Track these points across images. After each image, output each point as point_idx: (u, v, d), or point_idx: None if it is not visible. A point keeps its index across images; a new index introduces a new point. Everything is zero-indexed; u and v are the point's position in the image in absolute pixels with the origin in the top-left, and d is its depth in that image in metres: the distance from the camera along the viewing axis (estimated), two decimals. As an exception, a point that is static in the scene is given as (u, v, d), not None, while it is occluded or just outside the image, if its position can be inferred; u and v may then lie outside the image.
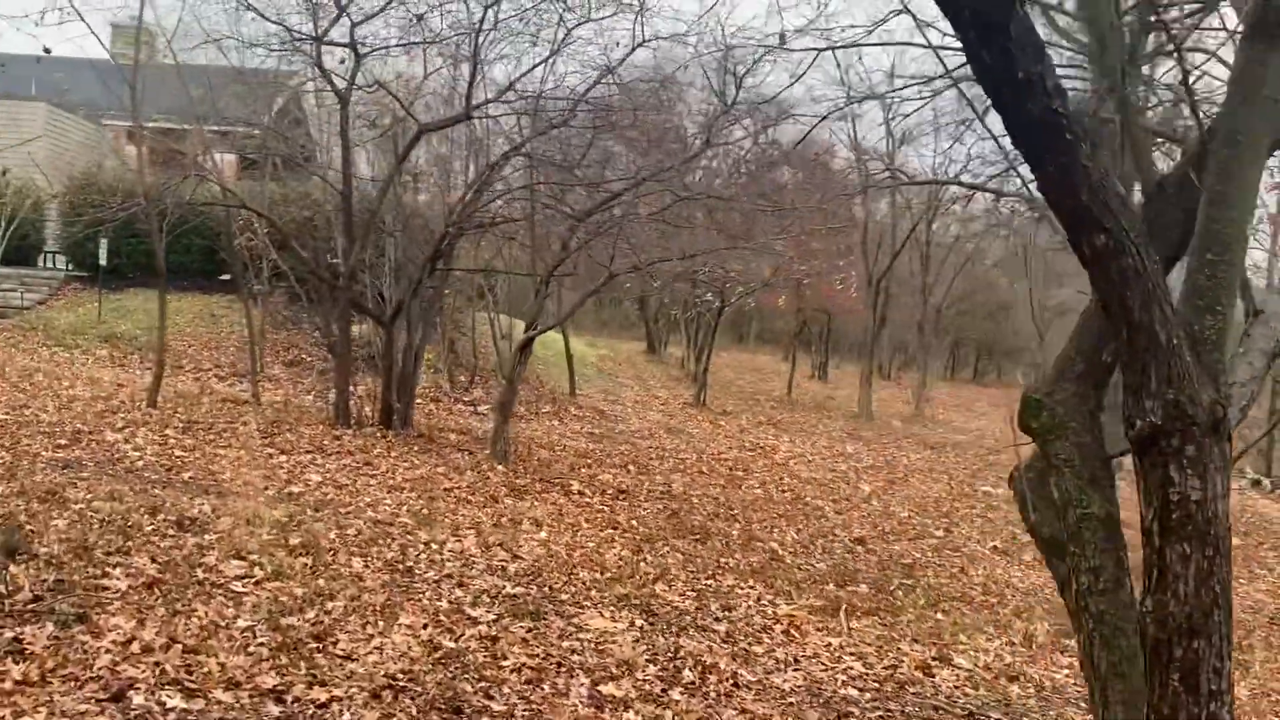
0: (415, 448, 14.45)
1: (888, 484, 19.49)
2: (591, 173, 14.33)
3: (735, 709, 5.98)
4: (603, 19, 14.26)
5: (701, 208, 15.75)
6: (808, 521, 14.34)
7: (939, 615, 9.35)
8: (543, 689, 5.89)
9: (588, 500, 13.06)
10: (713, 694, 6.22)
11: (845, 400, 34.28)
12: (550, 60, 14.16)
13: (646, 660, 6.60)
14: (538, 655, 6.44)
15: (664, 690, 6.15)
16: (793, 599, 9.12)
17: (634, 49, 14.14)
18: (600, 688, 6.02)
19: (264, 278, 19.75)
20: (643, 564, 9.67)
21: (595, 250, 14.96)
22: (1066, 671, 7.91)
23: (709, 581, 9.41)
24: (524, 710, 5.47)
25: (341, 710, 5.12)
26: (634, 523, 12.00)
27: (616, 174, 14.46)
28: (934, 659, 7.59)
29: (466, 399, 20.74)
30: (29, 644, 5.26)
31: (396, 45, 15.48)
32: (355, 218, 15.21)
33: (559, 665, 6.34)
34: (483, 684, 5.81)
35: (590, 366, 28.79)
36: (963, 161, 27.93)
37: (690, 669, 6.55)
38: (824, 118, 12.81)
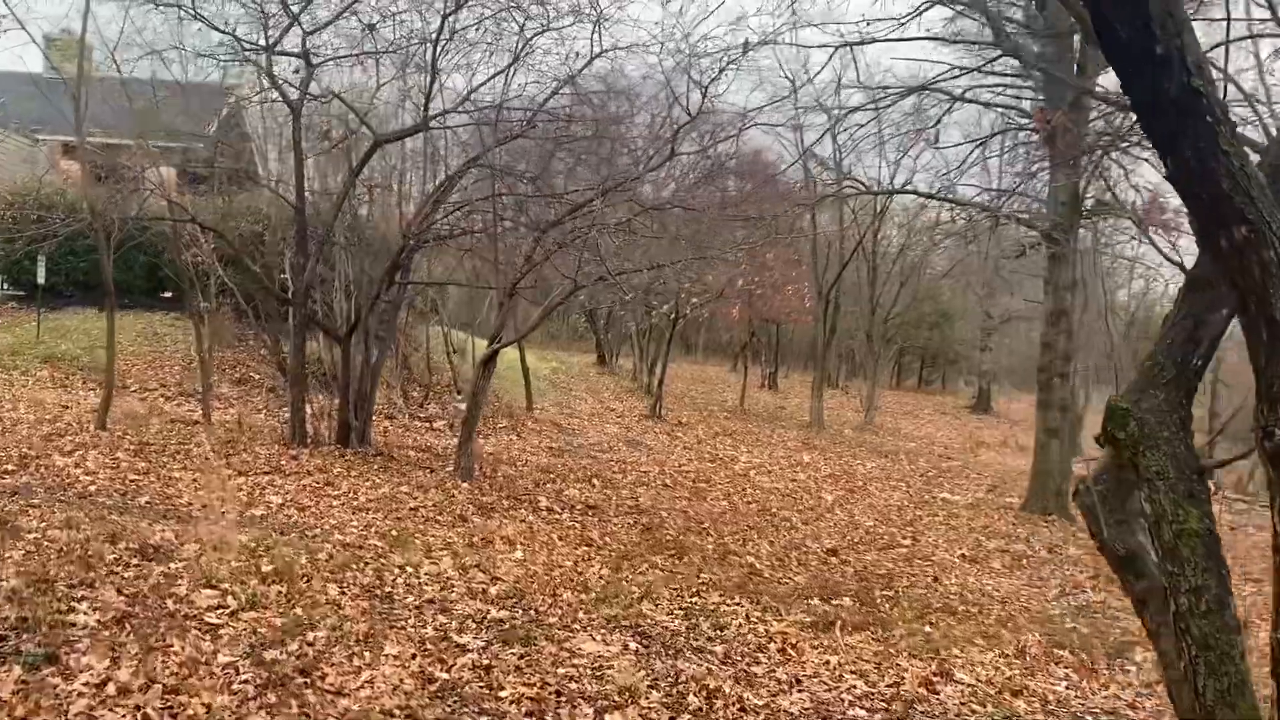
0: (375, 466, 14.00)
1: (848, 493, 19.34)
2: (554, 183, 14.00)
3: (749, 736, 5.69)
4: (562, 28, 14.03)
5: (658, 218, 15.47)
6: (777, 533, 14.10)
7: (927, 628, 9.13)
8: (547, 721, 5.56)
9: (557, 517, 12.71)
10: (722, 721, 5.93)
11: (796, 409, 34.20)
12: (510, 70, 13.85)
13: (648, 686, 6.28)
14: (535, 684, 6.10)
15: (672, 719, 5.84)
16: (781, 615, 8.85)
17: (592, 59, 13.87)
18: (606, 717, 5.69)
19: (210, 294, 19.16)
20: (625, 582, 9.35)
21: (558, 261, 14.60)
22: (1065, 684, 7.72)
23: (694, 599, 9.11)
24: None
25: (342, 752, 4.76)
26: (607, 539, 11.66)
27: (580, 184, 14.13)
28: (935, 675, 7.36)
29: (422, 415, 20.28)
30: (-5, 689, 4.83)
31: (350, 55, 15.05)
32: (309, 232, 14.74)
33: (558, 695, 6.00)
34: (483, 717, 5.47)
35: (543, 380, 28.37)
36: (909, 173, 27.89)
37: (695, 694, 6.25)
38: (822, 134, 12.54)
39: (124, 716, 4.73)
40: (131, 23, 14.62)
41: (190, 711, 4.89)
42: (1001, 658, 8.29)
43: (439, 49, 13.66)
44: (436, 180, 15.45)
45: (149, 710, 4.82)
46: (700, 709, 6.04)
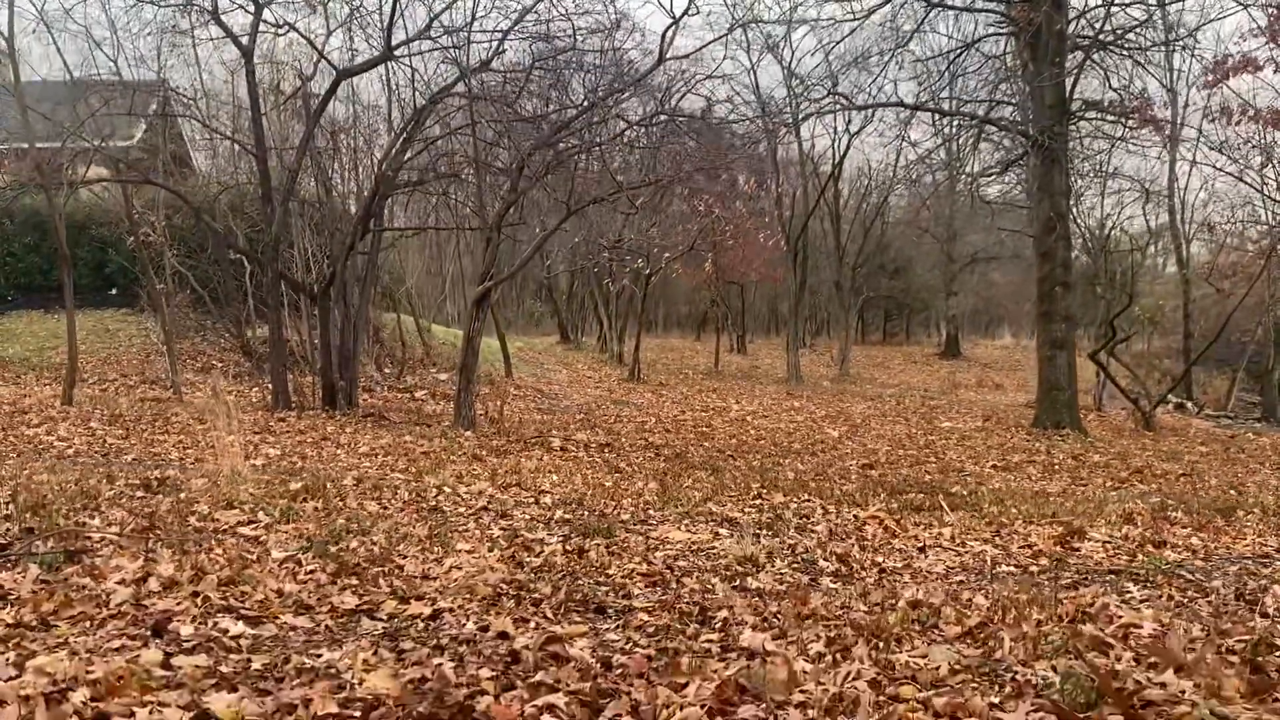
0: (369, 424, 12.97)
1: (851, 429, 18.58)
2: (535, 105, 13.03)
3: (911, 589, 4.81)
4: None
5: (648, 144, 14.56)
6: (801, 458, 13.29)
7: (1014, 509, 8.31)
8: (674, 589, 4.64)
9: (575, 455, 11.76)
10: (869, 580, 5.05)
11: (769, 368, 33.51)
12: (478, -13, 12.85)
13: (768, 556, 5.38)
14: (639, 563, 5.18)
15: (813, 580, 4.96)
16: (859, 505, 8.00)
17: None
18: (743, 582, 4.79)
19: (166, 276, 18.02)
20: (676, 491, 8.44)
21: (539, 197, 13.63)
22: (1198, 539, 6.90)
23: (758, 500, 8.22)
24: (684, 604, 4.20)
25: (462, 619, 3.80)
26: (636, 468, 10.75)
27: (560, 106, 13.17)
28: (1066, 535, 6.53)
29: (400, 386, 19.19)
30: (10, 589, 3.81)
31: (299, -8, 13.97)
32: (274, 183, 13.63)
33: (671, 570, 5.09)
34: (604, 587, 4.54)
35: (512, 358, 27.33)
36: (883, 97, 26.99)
37: (825, 559, 5.37)
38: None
39: (180, 604, 3.74)
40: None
41: (260, 597, 3.92)
42: (1111, 524, 7.47)
43: (400, -31, 12.64)
44: (404, 117, 14.37)
45: (210, 595, 3.84)
46: (839, 570, 5.16)
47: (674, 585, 4.70)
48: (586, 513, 6.82)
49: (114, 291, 21.77)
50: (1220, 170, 20.88)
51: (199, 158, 22.23)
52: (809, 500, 8.23)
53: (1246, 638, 3.53)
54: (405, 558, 4.95)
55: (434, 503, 6.94)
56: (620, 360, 30.49)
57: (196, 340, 20.63)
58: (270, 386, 14.26)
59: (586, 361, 30.81)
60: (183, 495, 6.42)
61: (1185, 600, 4.52)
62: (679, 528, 6.38)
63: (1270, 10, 16.59)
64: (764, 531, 6.28)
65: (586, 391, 22.96)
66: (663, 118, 12.92)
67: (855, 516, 7.30)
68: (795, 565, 5.23)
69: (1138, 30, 17.58)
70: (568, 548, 5.47)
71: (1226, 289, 28.08)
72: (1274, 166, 19.98)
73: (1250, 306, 26.64)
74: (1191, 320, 30.99)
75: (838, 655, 3.34)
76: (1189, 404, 29.58)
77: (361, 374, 18.83)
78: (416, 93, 14.26)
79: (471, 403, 13.09)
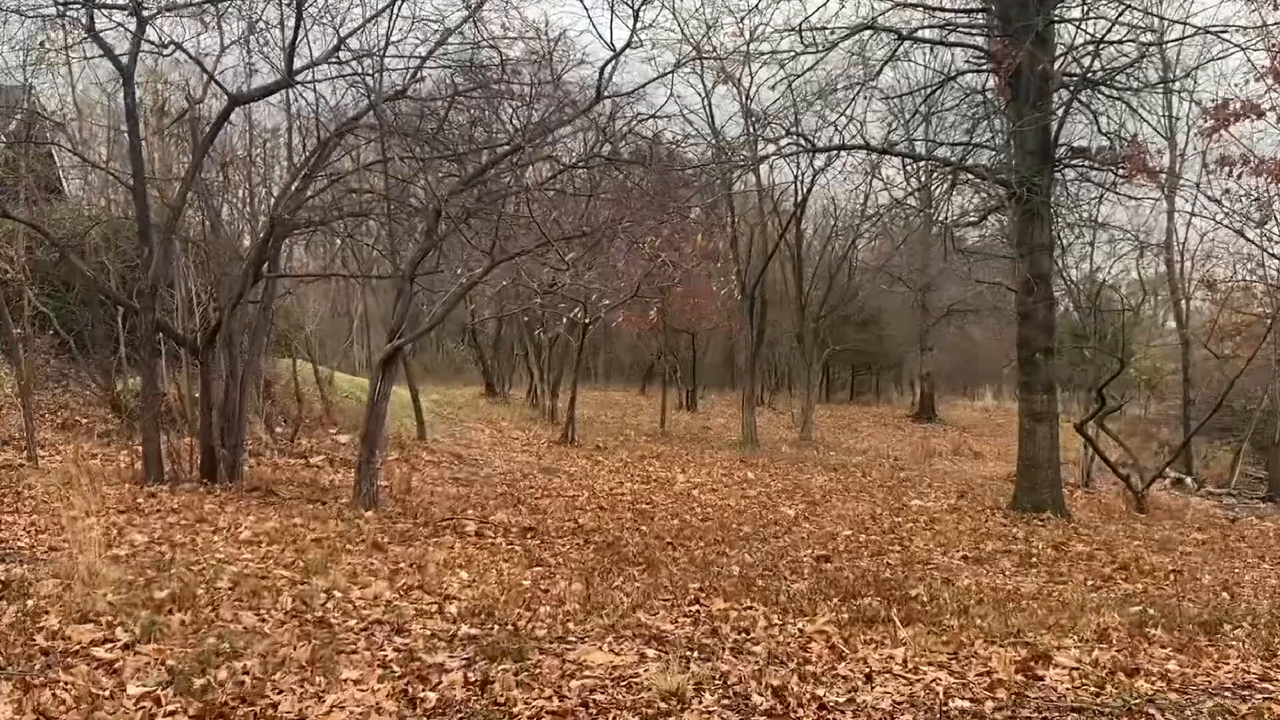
0: (254, 501, 12.90)
1: (809, 506, 18.78)
2: (456, 139, 13.13)
3: (851, 733, 4.93)
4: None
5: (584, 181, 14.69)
6: (750, 545, 13.43)
7: (978, 621, 8.48)
8: (587, 736, 4.71)
9: (492, 541, 11.79)
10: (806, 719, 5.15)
11: (721, 430, 33.75)
12: (393, 8, 12.96)
13: (696, 689, 5.47)
14: (550, 698, 5.25)
15: (743, 721, 5.05)
16: (808, 616, 8.12)
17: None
18: (663, 725, 4.87)
19: (24, 319, 17.77)
20: (605, 595, 8.51)
21: (460, 242, 13.74)
22: (1175, 664, 7.10)
23: (695, 608, 8.32)
24: (592, 759, 4.28)
25: (338, 782, 3.85)
26: (560, 559, 10.81)
27: (482, 145, 13.31)
28: (1030, 660, 6.68)
29: (294, 450, 19.08)
30: None
31: (189, 4, 14.00)
32: (154, 220, 13.60)
33: (586, 707, 5.16)
34: (506, 735, 4.60)
35: (429, 413, 27.27)
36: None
37: (759, 694, 5.46)
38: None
39: (15, 761, 3.75)
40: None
41: (107, 750, 3.93)
42: (1084, 642, 7.66)
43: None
44: (305, 151, 14.44)
45: (50, 751, 3.84)
46: (773, 709, 5.26)
47: (586, 730, 4.76)
48: (497, 626, 6.87)
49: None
50: (1219, 224, 21.43)
51: (70, 184, 22.09)
52: (752, 608, 8.34)
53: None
54: (281, 692, 4.97)
55: (321, 612, 6.95)
56: (552, 417, 30.60)
57: (58, 391, 20.35)
58: (141, 450, 14.11)
59: (514, 419, 30.84)
60: (30, 603, 6.38)
61: (1150, 754, 4.67)
62: (601, 647, 6.45)
63: (1273, 49, 17.12)
64: (695, 654, 6.36)
65: (512, 456, 22.99)
66: (600, 159, 13.08)
67: (801, 630, 7.41)
68: (725, 701, 5.32)
69: (1130, 70, 18.15)
70: (470, 676, 5.52)
71: (1229, 352, 28.78)
72: (1276, 220, 20.57)
73: (1257, 370, 27.25)
74: (1192, 385, 31.62)
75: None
76: (1188, 479, 30.16)
77: (249, 435, 18.71)
78: (321, 123, 14.31)
79: (374, 476, 13.07)
